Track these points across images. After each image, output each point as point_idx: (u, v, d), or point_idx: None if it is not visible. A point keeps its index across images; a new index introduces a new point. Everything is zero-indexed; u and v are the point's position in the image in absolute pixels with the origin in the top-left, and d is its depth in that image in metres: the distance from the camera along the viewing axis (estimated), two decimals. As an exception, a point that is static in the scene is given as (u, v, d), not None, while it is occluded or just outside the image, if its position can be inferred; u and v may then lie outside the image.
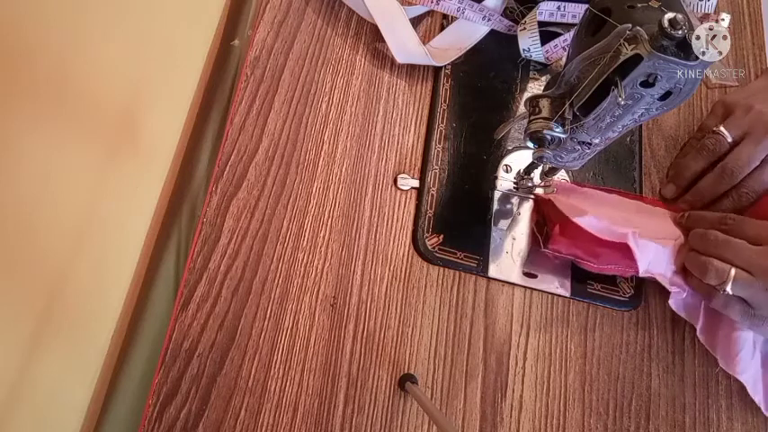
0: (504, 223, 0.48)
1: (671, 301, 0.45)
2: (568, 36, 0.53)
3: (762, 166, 0.46)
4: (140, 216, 0.44)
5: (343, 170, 0.47)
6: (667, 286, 0.44)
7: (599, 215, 0.44)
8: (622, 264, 0.44)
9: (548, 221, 0.46)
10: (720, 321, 0.44)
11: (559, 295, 0.46)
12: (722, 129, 0.47)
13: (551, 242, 0.45)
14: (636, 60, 0.30)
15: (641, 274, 0.44)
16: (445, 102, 0.51)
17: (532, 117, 0.38)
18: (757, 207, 0.47)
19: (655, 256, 0.44)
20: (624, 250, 0.43)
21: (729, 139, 0.47)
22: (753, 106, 0.47)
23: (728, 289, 0.41)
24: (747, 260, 0.41)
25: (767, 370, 0.45)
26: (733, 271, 0.41)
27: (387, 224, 0.46)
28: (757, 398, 0.44)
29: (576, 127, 0.36)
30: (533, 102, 0.38)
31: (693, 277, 0.44)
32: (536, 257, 0.47)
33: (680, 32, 0.28)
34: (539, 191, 0.46)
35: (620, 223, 0.45)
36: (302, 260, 0.43)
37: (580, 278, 0.47)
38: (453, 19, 0.53)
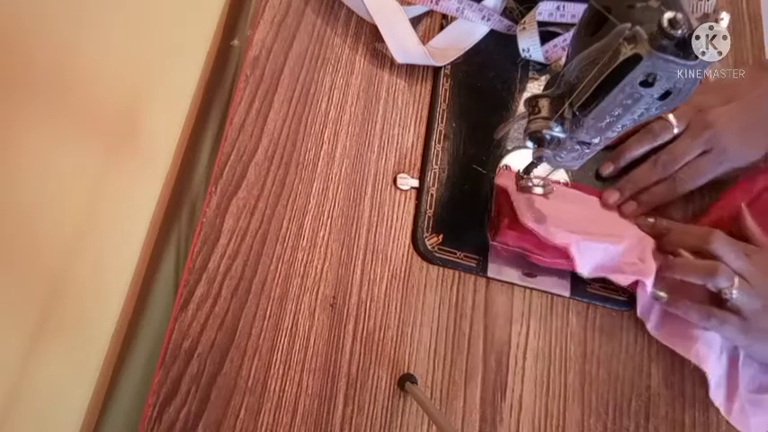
0: (503, 223, 0.48)
1: (639, 307, 0.45)
2: (568, 36, 0.53)
3: (697, 157, 0.47)
4: (140, 216, 0.44)
5: (343, 170, 0.47)
6: (620, 281, 0.44)
7: (558, 214, 0.44)
8: (571, 259, 0.44)
9: (500, 214, 0.46)
10: (677, 318, 0.45)
11: (559, 295, 0.46)
12: (670, 116, 0.48)
13: (500, 235, 0.45)
14: (635, 60, 0.30)
15: (587, 276, 0.44)
16: (445, 102, 0.51)
17: (532, 117, 0.38)
18: (710, 214, 0.49)
19: (604, 255, 0.44)
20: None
21: (675, 130, 0.48)
22: (702, 104, 0.48)
23: (735, 293, 0.41)
24: (741, 267, 0.42)
25: (731, 376, 0.45)
26: (737, 279, 0.41)
27: (386, 224, 0.46)
28: (717, 401, 0.44)
29: (576, 127, 0.36)
30: (533, 101, 0.38)
31: (682, 300, 0.43)
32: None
33: (679, 32, 0.28)
34: (538, 190, 0.46)
35: (579, 221, 0.45)
36: (302, 260, 0.43)
37: (580, 278, 0.47)
38: (453, 19, 0.53)
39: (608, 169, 0.50)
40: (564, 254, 0.43)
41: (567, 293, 0.46)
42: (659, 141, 0.49)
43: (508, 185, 0.46)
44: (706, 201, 0.52)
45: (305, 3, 0.51)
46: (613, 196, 0.49)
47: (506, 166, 0.50)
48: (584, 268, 0.43)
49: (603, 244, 0.44)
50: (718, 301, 0.42)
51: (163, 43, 0.44)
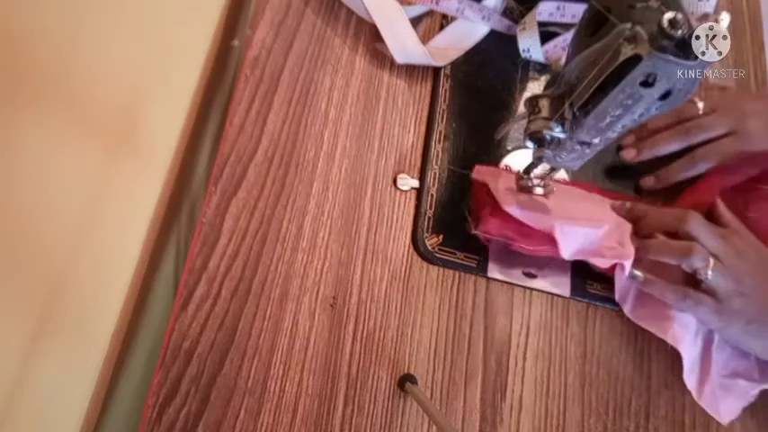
0: (503, 223, 0.47)
1: (617, 290, 0.46)
2: (568, 36, 0.53)
3: (718, 139, 0.49)
4: (140, 216, 0.44)
5: (343, 170, 0.47)
6: (600, 264, 0.44)
7: (537, 201, 0.44)
8: (554, 245, 0.44)
9: (480, 204, 0.46)
10: (654, 300, 0.45)
11: (559, 295, 0.46)
12: (696, 99, 0.50)
13: (482, 224, 0.44)
14: (635, 60, 0.30)
15: (568, 258, 0.44)
16: (445, 102, 0.51)
17: (532, 117, 0.38)
18: (684, 199, 0.50)
19: (585, 239, 0.44)
20: (551, 235, 0.43)
21: (700, 111, 0.50)
22: (736, 98, 0.51)
23: (710, 274, 0.41)
24: (716, 247, 0.42)
25: (705, 359, 0.45)
26: (712, 259, 0.41)
27: (386, 224, 0.46)
28: (690, 384, 0.45)
29: (576, 127, 0.36)
30: (533, 102, 0.38)
31: (658, 281, 0.43)
32: (535, 257, 0.47)
33: (679, 32, 0.28)
34: (538, 190, 0.46)
35: (558, 208, 0.45)
36: (302, 260, 0.43)
37: (580, 278, 0.47)
38: (453, 19, 0.53)
39: (631, 140, 0.53)
40: (546, 241, 0.43)
41: (567, 294, 0.46)
42: (683, 118, 0.51)
43: (485, 179, 0.46)
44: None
45: (305, 3, 0.51)
46: (630, 153, 0.51)
47: (506, 166, 0.50)
48: (567, 252, 0.43)
49: (585, 228, 0.44)
50: (693, 284, 0.42)
51: (163, 43, 0.44)
